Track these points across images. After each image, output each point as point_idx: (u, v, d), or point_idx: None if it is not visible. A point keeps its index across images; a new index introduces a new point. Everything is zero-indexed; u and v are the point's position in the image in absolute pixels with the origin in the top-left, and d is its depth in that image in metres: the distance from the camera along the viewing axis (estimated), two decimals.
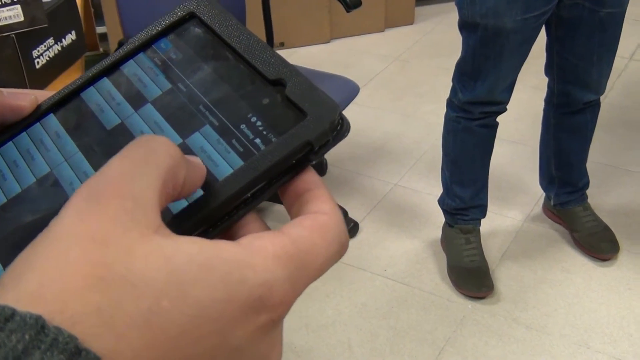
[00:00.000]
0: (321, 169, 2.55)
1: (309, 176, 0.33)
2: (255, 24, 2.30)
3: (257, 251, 0.28)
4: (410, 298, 2.01)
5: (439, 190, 2.13)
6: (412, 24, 3.72)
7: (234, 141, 0.34)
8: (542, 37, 1.87)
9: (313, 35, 3.53)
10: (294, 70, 0.35)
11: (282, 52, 3.38)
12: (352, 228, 2.25)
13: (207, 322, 0.26)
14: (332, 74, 2.19)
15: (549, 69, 1.97)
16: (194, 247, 0.27)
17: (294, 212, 0.32)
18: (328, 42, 3.57)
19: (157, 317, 0.25)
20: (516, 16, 1.71)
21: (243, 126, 0.34)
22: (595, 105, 2.01)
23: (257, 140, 0.33)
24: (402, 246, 2.21)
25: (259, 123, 0.34)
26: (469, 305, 1.98)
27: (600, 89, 1.95)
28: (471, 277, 2.01)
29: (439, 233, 2.19)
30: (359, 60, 3.37)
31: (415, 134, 2.77)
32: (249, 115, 0.34)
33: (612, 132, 2.73)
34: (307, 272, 0.29)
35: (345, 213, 2.24)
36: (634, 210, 2.32)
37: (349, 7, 2.19)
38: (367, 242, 2.23)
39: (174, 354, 0.25)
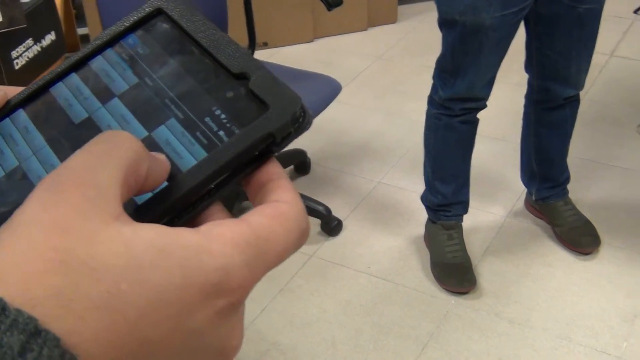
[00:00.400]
0: (305, 168, 2.56)
1: (272, 167, 0.34)
2: (237, 24, 2.31)
3: (216, 237, 0.29)
4: (394, 295, 2.03)
5: (422, 187, 2.14)
6: (394, 22, 3.74)
7: (198, 134, 0.34)
8: (522, 34, 1.89)
9: (296, 34, 3.54)
10: (258, 64, 0.36)
11: (265, 52, 3.39)
12: (336, 226, 2.25)
13: (165, 305, 0.27)
14: (314, 73, 2.20)
15: (528, 66, 1.99)
16: (152, 234, 0.28)
17: (256, 203, 0.33)
18: (311, 41, 3.57)
19: (116, 299, 0.26)
20: (495, 13, 1.72)
21: (207, 119, 0.35)
22: (575, 101, 2.03)
23: (221, 133, 0.34)
24: (386, 243, 2.22)
25: (223, 116, 0.35)
26: (452, 300, 2.00)
27: (579, 84, 1.97)
28: (454, 272, 2.03)
29: (422, 230, 2.20)
30: (342, 59, 3.38)
31: (398, 132, 2.78)
32: (213, 108, 0.35)
33: (593, 127, 2.75)
34: (266, 258, 0.30)
35: (328, 211, 2.25)
36: (614, 204, 2.34)
37: (330, 6, 2.19)
38: (351, 239, 2.24)
39: (133, 336, 0.26)
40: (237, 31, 2.28)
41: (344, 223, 2.30)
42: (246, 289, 0.29)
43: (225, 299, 0.28)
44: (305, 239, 0.32)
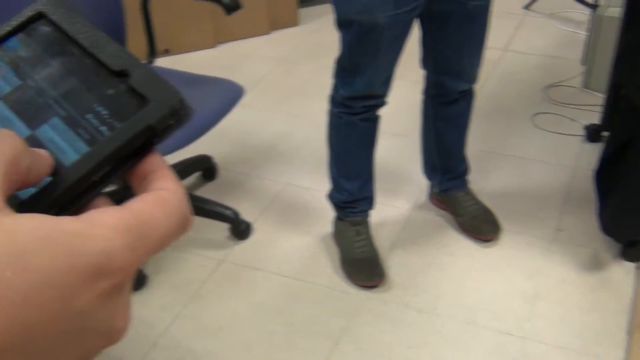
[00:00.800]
0: (211, 174, 2.55)
1: (154, 159, 0.36)
2: (137, 32, 2.28)
3: (97, 223, 0.30)
4: (305, 293, 2.05)
5: (328, 186, 2.17)
6: (296, 25, 3.77)
7: (80, 130, 0.36)
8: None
9: (198, 40, 3.52)
10: (138, 62, 0.38)
11: (167, 59, 3.36)
12: (245, 229, 2.26)
13: (50, 288, 0.28)
14: (216, 77, 2.19)
15: (424, 62, 2.05)
16: (34, 222, 0.29)
17: (140, 193, 0.35)
18: (214, 47, 3.56)
19: (1, 286, 0.27)
20: (389, 12, 1.77)
21: (89, 116, 0.36)
22: (470, 94, 2.11)
23: (103, 128, 0.36)
24: (296, 243, 2.24)
25: (104, 112, 0.36)
26: (362, 295, 2.03)
27: (472, 78, 2.04)
28: (363, 267, 2.07)
29: (330, 228, 2.24)
30: (246, 63, 3.39)
31: (304, 133, 2.81)
32: (94, 105, 0.37)
33: (490, 120, 2.86)
34: (148, 241, 0.32)
35: (237, 215, 2.25)
36: (511, 192, 2.44)
37: (228, 10, 2.19)
38: (261, 242, 2.25)
39: (19, 320, 0.27)
40: (136, 39, 2.26)
41: (254, 226, 2.30)
42: (128, 271, 0.31)
43: (108, 280, 0.30)
44: (188, 225, 0.34)
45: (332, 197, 2.16)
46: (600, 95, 2.87)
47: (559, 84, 3.13)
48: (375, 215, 2.25)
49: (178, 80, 2.15)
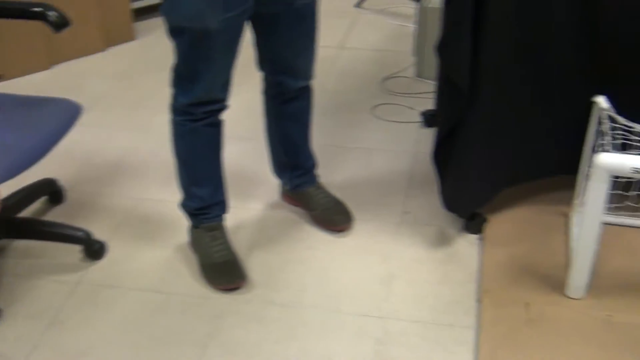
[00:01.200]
0: (58, 197, 2.47)
1: None
2: None
3: None
4: (167, 305, 2.03)
5: (180, 196, 2.17)
6: (133, 40, 3.72)
7: None
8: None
9: (32, 63, 3.39)
10: None
11: (1, 85, 3.22)
12: (99, 249, 2.21)
13: None
14: (50, 98, 2.13)
15: (261, 63, 2.09)
16: None
17: None
18: (48, 68, 3.44)
19: None
20: (219, 17, 1.80)
21: None
22: (308, 91, 2.17)
23: None
24: (153, 257, 2.22)
25: None
26: (225, 298, 2.05)
27: (309, 75, 2.11)
28: (223, 271, 2.08)
29: (187, 237, 2.23)
30: (84, 82, 3.30)
31: (150, 146, 2.79)
32: None
33: (333, 115, 2.96)
34: None
35: (88, 235, 2.20)
36: (359, 182, 2.55)
37: (56, 28, 2.13)
38: (117, 259, 2.21)
39: None
40: None
41: (108, 244, 2.26)
42: None
43: None
44: None
45: (185, 205, 2.15)
46: (432, 82, 3.04)
47: (394, 75, 3.28)
48: (231, 220, 2.27)
49: (9, 103, 2.08)
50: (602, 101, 2.09)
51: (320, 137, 2.78)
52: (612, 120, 2.07)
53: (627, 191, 2.31)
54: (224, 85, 1.95)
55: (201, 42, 1.82)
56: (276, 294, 2.06)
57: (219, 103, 1.98)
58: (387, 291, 2.07)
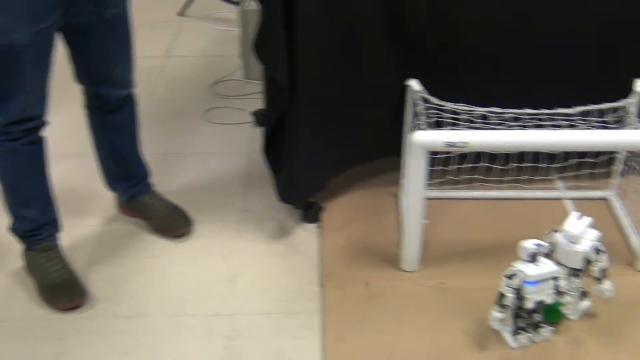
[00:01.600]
0: None
1: None
2: None
3: None
4: (6, 332, 1.95)
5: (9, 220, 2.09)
6: None
7: None
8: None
9: None
10: None
11: None
12: None
13: None
14: None
15: (78, 76, 2.05)
16: None
17: None
18: None
19: None
20: (26, 31, 1.75)
21: None
22: (131, 99, 2.15)
23: None
24: None
25: None
26: (67, 318, 1.99)
27: (128, 83, 2.09)
28: (61, 291, 2.02)
29: (20, 262, 2.15)
30: None
31: None
32: None
33: (165, 123, 2.95)
34: None
35: None
36: (197, 186, 2.56)
37: None
38: None
39: None
40: None
41: None
42: None
43: None
44: None
45: (15, 228, 2.07)
46: (260, 82, 3.10)
47: (223, 79, 3.31)
48: (67, 238, 2.21)
49: None
50: (414, 84, 2.22)
51: (155, 146, 2.76)
52: (426, 101, 2.21)
53: (447, 166, 2.47)
54: (40, 101, 1.90)
55: (10, 58, 1.77)
56: (120, 307, 2.03)
57: (36, 120, 1.92)
58: (233, 288, 2.10)
